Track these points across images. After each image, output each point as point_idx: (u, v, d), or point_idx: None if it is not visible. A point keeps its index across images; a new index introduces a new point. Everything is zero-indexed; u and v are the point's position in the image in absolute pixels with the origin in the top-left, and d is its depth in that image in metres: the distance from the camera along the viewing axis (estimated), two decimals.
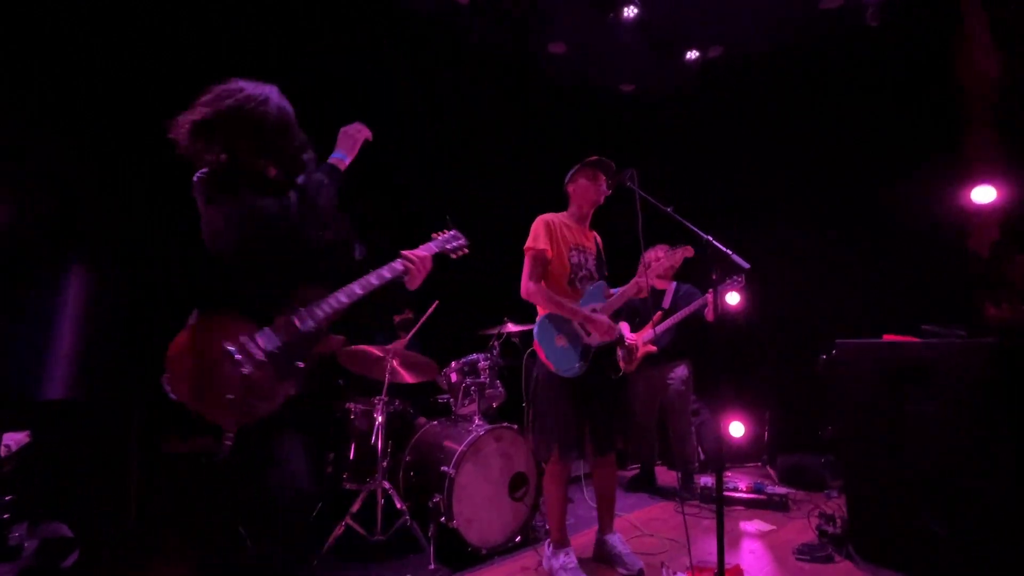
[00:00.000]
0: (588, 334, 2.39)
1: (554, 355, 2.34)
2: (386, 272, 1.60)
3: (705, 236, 1.88)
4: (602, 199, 2.53)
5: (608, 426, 2.41)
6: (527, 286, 2.38)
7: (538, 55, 4.43)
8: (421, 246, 1.77)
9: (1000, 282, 3.16)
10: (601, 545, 2.53)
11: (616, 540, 2.51)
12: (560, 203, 2.66)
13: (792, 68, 4.31)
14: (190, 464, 1.38)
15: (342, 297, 1.51)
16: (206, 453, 1.27)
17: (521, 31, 4.14)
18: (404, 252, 1.69)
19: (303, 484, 1.43)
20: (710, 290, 3.42)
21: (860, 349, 2.61)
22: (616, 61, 4.62)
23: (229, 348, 1.31)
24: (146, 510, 2.36)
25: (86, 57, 2.71)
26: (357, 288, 1.54)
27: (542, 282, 2.41)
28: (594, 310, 2.42)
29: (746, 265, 1.75)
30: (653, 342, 3.44)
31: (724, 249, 1.84)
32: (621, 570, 2.40)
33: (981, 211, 3.24)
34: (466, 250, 1.88)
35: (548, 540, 2.47)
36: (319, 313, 1.47)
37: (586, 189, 2.51)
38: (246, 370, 1.31)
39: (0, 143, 2.42)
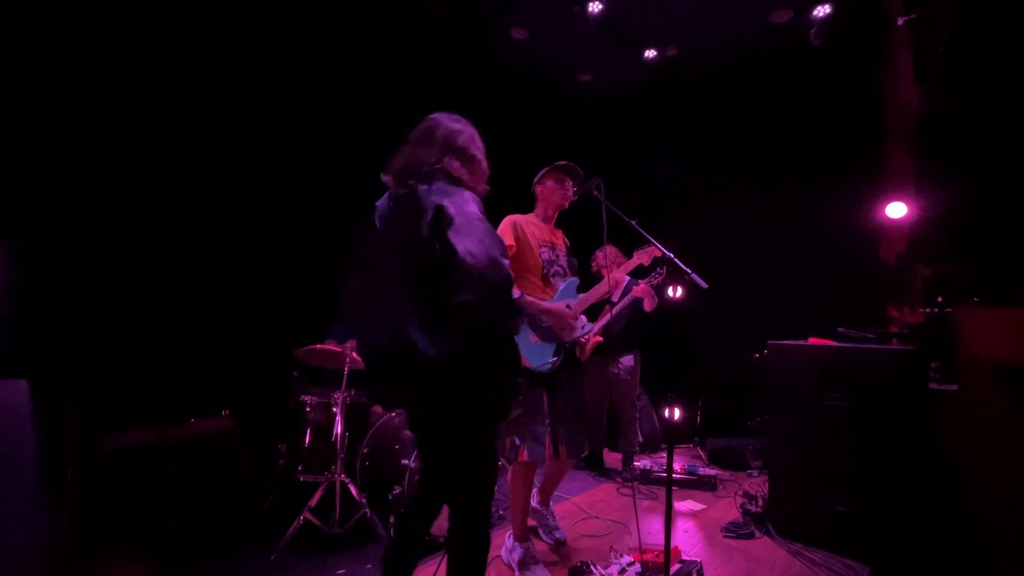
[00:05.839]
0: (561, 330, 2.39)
1: (528, 351, 2.35)
2: None
3: (668, 254, 2.01)
4: (567, 204, 2.58)
5: (578, 429, 2.46)
6: None
7: (498, 39, 4.37)
8: None
9: (903, 289, 3.59)
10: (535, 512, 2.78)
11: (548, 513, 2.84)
12: (514, 188, 2.76)
13: (739, 76, 4.54)
14: None
15: None
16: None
17: (483, 14, 4.08)
18: None
19: None
20: (640, 282, 3.63)
21: (788, 350, 2.90)
22: (576, 52, 4.66)
23: None
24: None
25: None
26: None
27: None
28: (568, 306, 2.45)
29: (704, 284, 1.89)
30: (601, 333, 3.63)
31: (684, 267, 1.97)
32: (546, 538, 2.72)
33: (893, 225, 3.64)
34: None
35: (509, 532, 2.55)
36: None
37: (552, 191, 2.56)
38: None
39: None
